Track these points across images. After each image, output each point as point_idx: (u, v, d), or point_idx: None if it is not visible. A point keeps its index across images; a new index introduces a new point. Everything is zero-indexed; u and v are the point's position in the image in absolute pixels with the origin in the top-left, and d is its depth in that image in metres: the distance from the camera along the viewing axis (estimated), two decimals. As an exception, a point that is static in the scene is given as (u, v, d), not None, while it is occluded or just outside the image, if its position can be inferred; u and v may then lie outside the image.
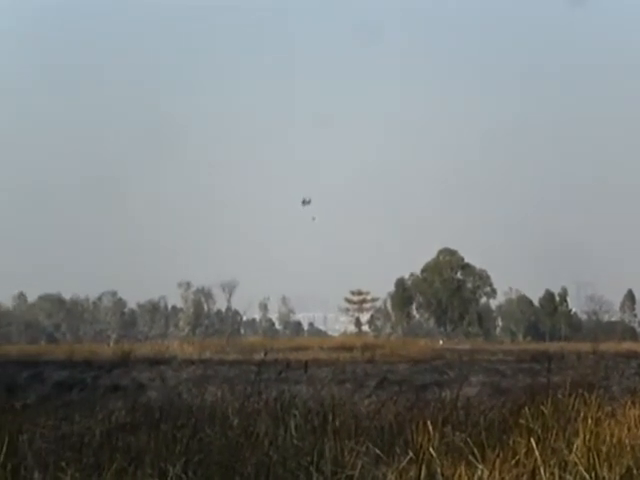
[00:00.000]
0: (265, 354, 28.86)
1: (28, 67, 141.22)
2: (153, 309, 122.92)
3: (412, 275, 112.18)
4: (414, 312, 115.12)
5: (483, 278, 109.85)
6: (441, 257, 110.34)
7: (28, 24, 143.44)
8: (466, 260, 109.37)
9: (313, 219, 72.04)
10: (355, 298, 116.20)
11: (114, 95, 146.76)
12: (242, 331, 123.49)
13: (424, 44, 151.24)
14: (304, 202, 66.85)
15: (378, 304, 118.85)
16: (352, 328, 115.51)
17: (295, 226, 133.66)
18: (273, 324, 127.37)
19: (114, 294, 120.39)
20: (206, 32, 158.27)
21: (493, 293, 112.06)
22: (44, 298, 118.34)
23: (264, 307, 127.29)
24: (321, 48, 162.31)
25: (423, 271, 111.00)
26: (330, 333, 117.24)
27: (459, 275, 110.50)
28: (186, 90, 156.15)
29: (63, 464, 8.54)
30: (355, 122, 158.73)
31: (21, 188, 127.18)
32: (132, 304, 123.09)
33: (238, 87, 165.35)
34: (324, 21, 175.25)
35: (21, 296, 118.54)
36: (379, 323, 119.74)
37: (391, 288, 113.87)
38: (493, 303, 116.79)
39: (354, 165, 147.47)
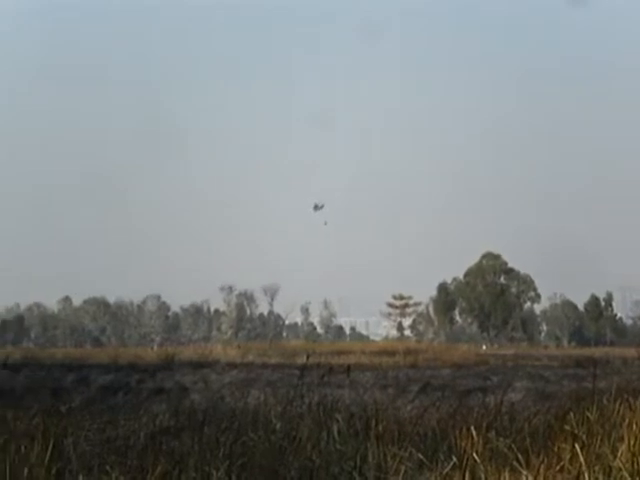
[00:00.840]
0: (307, 358, 28.82)
1: (28, 67, 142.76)
2: (196, 313, 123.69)
3: (455, 280, 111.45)
4: (457, 317, 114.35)
5: (527, 283, 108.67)
6: (484, 261, 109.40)
7: (29, 24, 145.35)
8: (510, 265, 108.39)
9: (325, 224, 71.96)
10: (397, 303, 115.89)
11: (115, 95, 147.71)
12: (284, 335, 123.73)
13: (424, 44, 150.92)
14: (316, 207, 66.67)
15: (420, 309, 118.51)
16: (394, 333, 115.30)
17: (336, 230, 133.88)
18: (315, 328, 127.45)
19: (158, 298, 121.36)
20: (206, 32, 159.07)
21: (537, 298, 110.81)
22: (89, 302, 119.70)
23: (306, 311, 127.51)
24: (321, 48, 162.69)
25: (466, 275, 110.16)
26: (372, 337, 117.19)
27: (502, 280, 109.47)
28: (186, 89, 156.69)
29: (107, 467, 8.60)
30: (391, 124, 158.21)
31: (63, 193, 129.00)
32: (176, 308, 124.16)
33: (238, 87, 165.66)
34: (324, 21, 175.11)
35: (67, 300, 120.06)
36: (421, 328, 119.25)
37: (433, 293, 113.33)
38: (537, 308, 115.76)
39: (390, 169, 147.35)
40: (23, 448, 8.99)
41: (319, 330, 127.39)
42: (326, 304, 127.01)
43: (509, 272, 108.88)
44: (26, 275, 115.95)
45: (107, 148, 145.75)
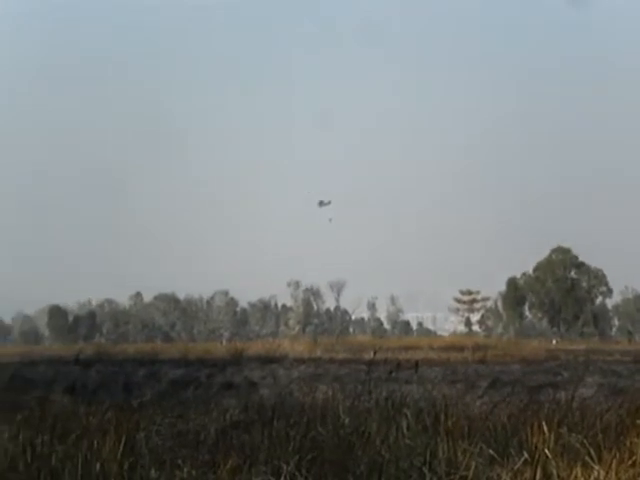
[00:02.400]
0: (375, 353, 28.79)
1: (28, 67, 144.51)
2: (264, 308, 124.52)
3: (524, 274, 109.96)
4: (526, 312, 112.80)
5: (598, 277, 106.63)
6: (554, 256, 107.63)
7: (29, 24, 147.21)
8: (580, 259, 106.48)
9: (330, 220, 72.28)
10: (465, 298, 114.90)
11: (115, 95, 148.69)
12: (351, 330, 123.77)
13: (424, 44, 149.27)
14: (321, 203, 66.80)
15: (489, 304, 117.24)
16: (462, 328, 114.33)
17: (401, 225, 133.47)
18: (382, 323, 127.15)
19: (226, 293, 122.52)
20: (206, 32, 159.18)
21: (609, 292, 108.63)
22: (159, 298, 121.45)
23: (372, 307, 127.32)
24: (321, 48, 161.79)
25: (535, 270, 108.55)
26: (439, 333, 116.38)
27: (573, 274, 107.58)
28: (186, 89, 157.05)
29: (179, 462, 8.73)
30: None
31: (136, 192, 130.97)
32: (244, 303, 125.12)
33: (238, 87, 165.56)
34: (324, 21, 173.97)
35: (138, 296, 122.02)
36: (490, 323, 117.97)
37: (502, 288, 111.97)
38: (609, 302, 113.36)
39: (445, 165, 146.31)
40: (96, 443, 9.18)
41: (386, 325, 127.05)
42: (393, 299, 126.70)
43: (580, 266, 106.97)
44: (98, 271, 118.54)
45: (114, 148, 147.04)
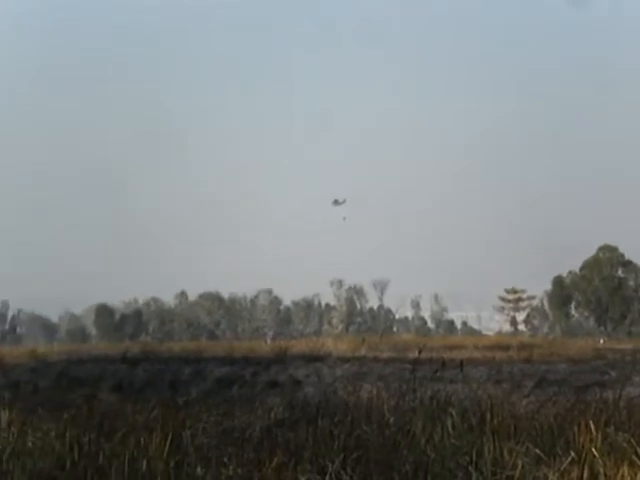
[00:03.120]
0: (419, 352, 28.71)
1: (28, 67, 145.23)
2: (307, 307, 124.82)
3: (570, 273, 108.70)
4: (572, 311, 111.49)
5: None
6: (601, 254, 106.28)
7: (29, 24, 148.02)
8: (627, 257, 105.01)
9: (344, 219, 71.95)
10: (510, 297, 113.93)
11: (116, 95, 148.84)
12: (394, 329, 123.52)
13: (424, 44, 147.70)
14: (336, 202, 66.67)
15: (535, 302, 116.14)
16: (507, 327, 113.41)
17: (444, 226, 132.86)
18: (425, 322, 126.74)
19: (270, 292, 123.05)
20: (206, 32, 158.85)
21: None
22: (204, 296, 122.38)
23: (416, 305, 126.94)
24: (321, 48, 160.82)
25: (582, 269, 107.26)
26: (484, 332, 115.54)
27: (620, 272, 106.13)
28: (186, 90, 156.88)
29: (225, 459, 8.78)
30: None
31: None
32: (287, 302, 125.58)
33: (238, 87, 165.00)
34: (324, 21, 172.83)
35: (183, 295, 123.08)
36: (536, 322, 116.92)
37: (548, 286, 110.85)
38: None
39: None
40: (142, 441, 9.27)
41: (430, 324, 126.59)
42: (437, 298, 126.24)
43: (627, 265, 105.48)
44: (143, 270, 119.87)
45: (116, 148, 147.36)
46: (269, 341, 73.91)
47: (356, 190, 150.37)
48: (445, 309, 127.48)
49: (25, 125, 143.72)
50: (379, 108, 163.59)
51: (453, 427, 9.65)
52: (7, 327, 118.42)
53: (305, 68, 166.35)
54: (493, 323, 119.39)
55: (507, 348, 42.85)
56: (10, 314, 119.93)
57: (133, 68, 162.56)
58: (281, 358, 35.32)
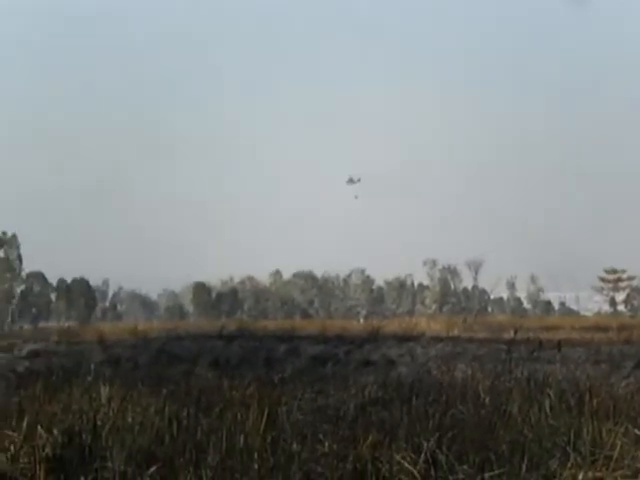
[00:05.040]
0: (515, 333, 28.38)
1: (28, 67, 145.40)
2: (400, 286, 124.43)
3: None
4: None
5: None
6: None
7: (28, 31, 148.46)
8: None
9: (355, 197, 71.62)
10: (610, 277, 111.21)
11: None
12: (489, 309, 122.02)
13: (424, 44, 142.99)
14: (351, 181, 65.86)
15: (635, 283, 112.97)
16: (607, 308, 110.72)
17: (541, 205, 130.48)
18: (521, 303, 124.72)
19: (363, 271, 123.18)
20: (205, 33, 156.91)
21: None
22: (298, 275, 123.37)
23: (512, 286, 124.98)
24: (321, 48, 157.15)
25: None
26: (582, 313, 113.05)
27: None
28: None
29: (320, 436, 8.84)
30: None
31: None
32: (380, 281, 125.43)
33: (238, 87, 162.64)
34: (324, 21, 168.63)
35: (277, 273, 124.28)
36: (636, 302, 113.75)
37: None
38: None
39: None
40: (239, 416, 9.42)
41: (526, 305, 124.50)
42: (533, 278, 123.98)
43: None
44: (239, 248, 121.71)
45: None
46: (362, 320, 74.03)
47: (452, 171, 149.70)
48: (542, 289, 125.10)
49: (25, 125, 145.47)
50: (379, 108, 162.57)
51: (551, 408, 9.51)
52: (108, 304, 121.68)
53: (305, 68, 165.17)
54: (592, 304, 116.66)
55: (606, 329, 41.80)
56: (111, 292, 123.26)
57: (133, 69, 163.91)
58: (374, 337, 35.34)
